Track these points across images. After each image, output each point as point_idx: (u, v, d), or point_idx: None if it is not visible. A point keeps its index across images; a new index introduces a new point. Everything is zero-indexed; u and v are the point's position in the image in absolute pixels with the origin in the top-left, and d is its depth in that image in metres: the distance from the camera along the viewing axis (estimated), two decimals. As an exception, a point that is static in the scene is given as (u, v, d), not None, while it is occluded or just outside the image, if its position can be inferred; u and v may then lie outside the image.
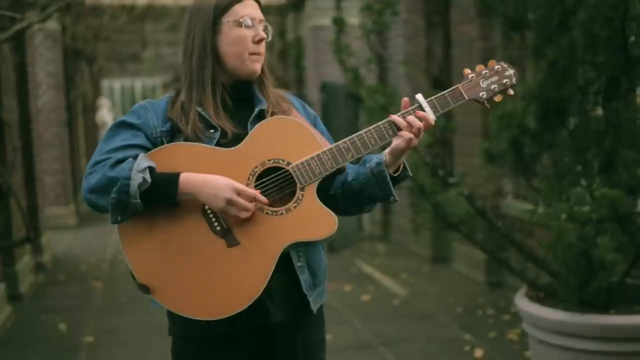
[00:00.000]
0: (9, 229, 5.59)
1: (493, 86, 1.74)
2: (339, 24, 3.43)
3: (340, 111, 7.39)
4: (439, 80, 6.10)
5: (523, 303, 3.17)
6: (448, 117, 5.71)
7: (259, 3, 1.81)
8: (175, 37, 14.30)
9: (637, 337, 2.87)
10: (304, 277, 1.75)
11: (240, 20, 1.74)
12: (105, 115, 15.50)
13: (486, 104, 1.75)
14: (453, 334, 4.62)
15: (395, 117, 1.68)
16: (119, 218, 1.62)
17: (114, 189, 1.59)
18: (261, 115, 1.78)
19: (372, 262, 6.94)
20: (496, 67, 1.76)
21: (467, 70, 1.75)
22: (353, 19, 5.35)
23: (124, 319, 5.23)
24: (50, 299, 5.94)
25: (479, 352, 4.25)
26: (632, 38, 2.73)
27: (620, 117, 2.89)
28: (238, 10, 1.75)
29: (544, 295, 3.22)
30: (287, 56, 13.16)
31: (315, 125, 1.85)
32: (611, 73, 2.92)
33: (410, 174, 1.79)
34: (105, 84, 19.83)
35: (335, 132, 1.86)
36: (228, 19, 1.74)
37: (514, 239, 3.24)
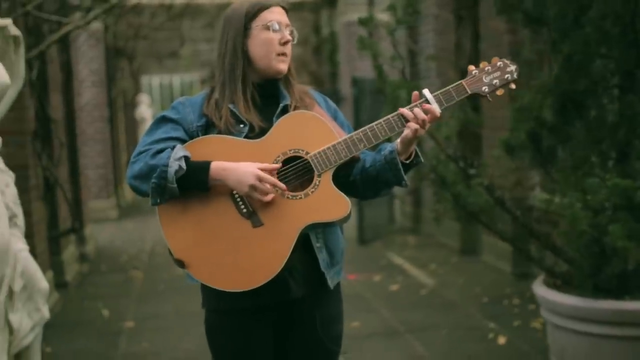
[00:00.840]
0: (55, 220, 5.89)
1: (495, 81, 1.89)
2: (366, 23, 3.59)
3: (370, 104, 7.54)
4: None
5: (540, 290, 3.29)
6: (476, 111, 5.83)
7: (285, 9, 1.99)
8: (211, 34, 14.59)
9: (650, 322, 2.98)
10: (322, 257, 1.93)
11: (268, 24, 1.93)
12: (145, 111, 15.90)
13: (488, 98, 1.90)
14: (478, 323, 4.75)
15: (404, 110, 1.85)
16: (158, 200, 1.83)
17: (154, 175, 1.80)
18: (285, 110, 1.96)
19: (402, 253, 7.08)
20: (498, 63, 1.91)
21: (472, 67, 1.91)
22: (385, 14, 5.51)
23: (162, 306, 5.49)
24: (93, 287, 6.24)
25: (502, 340, 4.37)
26: (643, 33, 2.85)
27: (635, 110, 2.99)
28: (266, 16, 1.94)
29: (561, 283, 3.34)
30: (322, 51, 13.35)
31: (335, 118, 2.03)
32: (626, 67, 3.03)
33: (422, 160, 1.95)
34: (144, 80, 20.23)
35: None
36: (257, 24, 1.93)
37: (532, 228, 3.36)
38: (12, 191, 2.77)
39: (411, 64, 7.63)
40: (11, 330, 2.71)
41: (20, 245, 2.75)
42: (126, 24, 10.72)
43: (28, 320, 2.77)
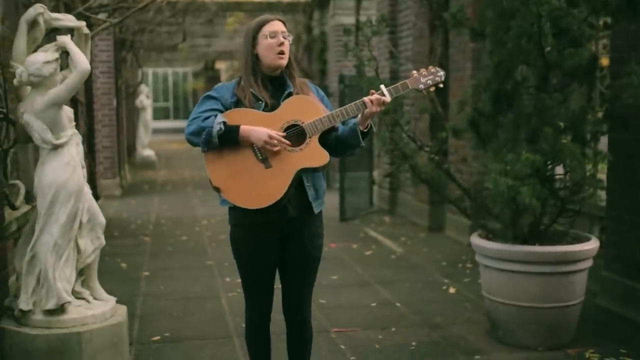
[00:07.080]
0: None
1: (428, 81, 2.89)
2: (348, 33, 4.60)
3: (355, 99, 8.53)
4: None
5: (475, 239, 4.31)
6: (444, 107, 6.84)
7: (282, 22, 2.96)
8: (210, 31, 15.52)
9: (552, 261, 3.99)
10: (310, 192, 2.92)
11: (267, 34, 2.91)
12: (144, 100, 16.82)
13: (424, 92, 2.90)
14: (435, 279, 5.78)
15: (365, 98, 2.85)
16: (206, 149, 2.81)
17: (204, 133, 2.78)
18: (289, 95, 2.95)
19: (377, 229, 8.10)
20: (432, 69, 2.91)
21: (414, 72, 2.90)
22: (373, 17, 6.49)
23: (172, 262, 6.48)
24: (110, 247, 7.17)
25: (452, 290, 5.41)
26: (548, 48, 3.86)
27: (544, 104, 4.01)
28: (266, 28, 2.91)
29: (493, 235, 4.36)
30: (313, 50, 14.31)
31: (322, 100, 3.03)
32: (539, 73, 4.04)
33: (375, 131, 2.95)
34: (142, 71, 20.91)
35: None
36: (261, 34, 2.91)
37: (470, 193, 4.38)
38: (81, 149, 3.74)
39: (393, 63, 8.64)
40: (79, 251, 3.69)
41: (86, 189, 3.72)
42: (133, 19, 11.63)
43: (90, 245, 3.74)
